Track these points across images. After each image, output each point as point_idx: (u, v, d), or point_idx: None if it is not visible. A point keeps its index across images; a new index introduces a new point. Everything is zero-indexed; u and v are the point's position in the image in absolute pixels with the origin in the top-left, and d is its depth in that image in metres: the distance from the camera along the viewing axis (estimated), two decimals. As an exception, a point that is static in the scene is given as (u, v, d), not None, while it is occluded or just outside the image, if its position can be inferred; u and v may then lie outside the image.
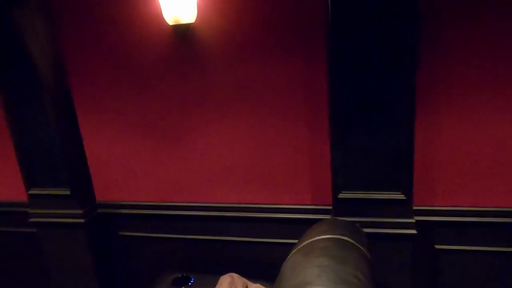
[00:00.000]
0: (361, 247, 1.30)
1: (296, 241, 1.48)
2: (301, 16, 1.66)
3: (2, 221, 2.37)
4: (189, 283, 1.90)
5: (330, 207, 1.78)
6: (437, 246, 1.78)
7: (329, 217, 1.73)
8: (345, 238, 1.30)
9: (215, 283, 1.79)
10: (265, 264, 1.97)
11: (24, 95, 1.91)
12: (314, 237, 1.32)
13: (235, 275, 1.78)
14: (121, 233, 2.19)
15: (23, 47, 1.83)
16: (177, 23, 1.69)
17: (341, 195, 1.64)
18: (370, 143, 1.54)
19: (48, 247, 2.16)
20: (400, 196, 1.58)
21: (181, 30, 1.74)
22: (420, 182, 1.70)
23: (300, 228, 1.74)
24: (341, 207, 1.67)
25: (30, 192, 2.10)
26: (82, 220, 2.06)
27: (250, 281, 1.81)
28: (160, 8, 1.71)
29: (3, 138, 2.18)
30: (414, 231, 1.61)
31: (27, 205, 2.14)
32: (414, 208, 1.64)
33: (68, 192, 2.02)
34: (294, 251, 1.35)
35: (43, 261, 2.20)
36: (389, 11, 1.39)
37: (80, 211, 2.06)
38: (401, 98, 1.47)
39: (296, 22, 1.67)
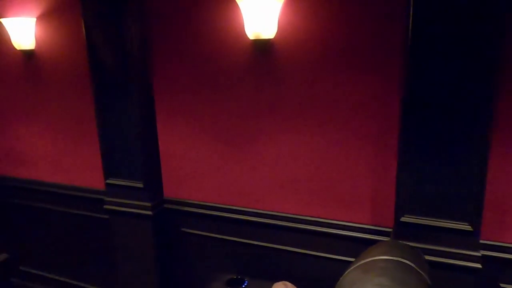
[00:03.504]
0: (423, 273, 1.28)
1: (350, 259, 1.49)
2: (377, 36, 1.69)
3: (81, 205, 2.63)
4: (243, 286, 1.97)
5: (389, 229, 1.77)
6: (502, 285, 1.69)
7: (388, 239, 1.72)
8: (407, 262, 1.29)
9: (268, 288, 1.84)
10: (316, 277, 1.99)
11: (113, 93, 2.13)
12: (374, 256, 1.32)
13: (288, 284, 1.81)
14: (183, 229, 2.32)
15: (117, 47, 2.04)
16: (258, 38, 1.80)
17: (403, 219, 1.63)
18: (440, 168, 1.52)
19: (117, 233, 2.36)
20: (466, 227, 1.53)
21: (261, 45, 1.85)
22: (489, 214, 1.63)
23: (355, 246, 1.76)
24: (402, 231, 1.65)
25: (108, 181, 2.31)
26: (150, 213, 2.22)
27: (302, 292, 1.84)
28: (243, 24, 1.82)
29: (90, 132, 2.42)
30: (479, 265, 1.54)
31: (103, 193, 2.36)
32: (481, 241, 1.58)
33: (141, 185, 2.20)
34: (352, 267, 1.36)
35: (111, 246, 2.40)
36: (471, 42, 1.38)
37: (149, 204, 2.22)
38: (477, 125, 1.44)
39: (372, 42, 1.70)
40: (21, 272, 3.05)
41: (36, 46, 2.47)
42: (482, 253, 1.55)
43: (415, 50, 1.47)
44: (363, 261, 1.34)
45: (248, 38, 1.86)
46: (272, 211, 2.06)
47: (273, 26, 1.78)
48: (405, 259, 1.31)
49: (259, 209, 2.09)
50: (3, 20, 2.38)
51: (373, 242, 1.56)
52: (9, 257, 3.02)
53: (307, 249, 2.01)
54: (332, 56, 1.78)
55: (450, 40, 1.41)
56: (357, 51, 1.74)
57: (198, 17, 2.01)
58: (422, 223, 1.59)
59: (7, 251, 3.03)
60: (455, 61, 1.42)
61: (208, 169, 2.18)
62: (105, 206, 2.33)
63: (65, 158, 2.63)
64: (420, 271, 1.29)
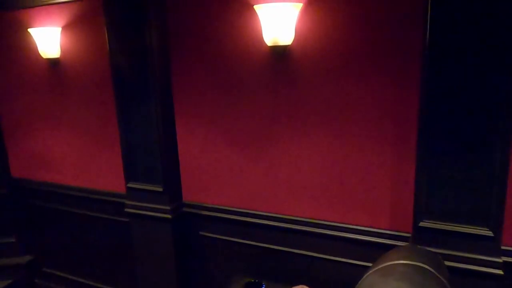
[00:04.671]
0: (443, 279, 1.28)
1: (368, 264, 1.49)
2: (395, 40, 1.70)
3: (102, 209, 2.70)
4: (260, 289, 1.99)
5: (408, 234, 1.76)
6: (525, 292, 1.66)
7: (407, 244, 1.71)
8: (426, 267, 1.29)
9: (286, 292, 1.86)
10: (334, 282, 1.99)
11: (135, 99, 2.19)
12: (393, 260, 1.32)
13: (306, 288, 1.83)
14: (201, 232, 2.35)
15: (138, 54, 2.11)
16: (275, 44, 1.83)
17: (422, 224, 1.62)
18: (460, 172, 1.50)
19: (137, 236, 2.41)
20: (487, 233, 1.51)
21: (279, 51, 1.88)
22: (511, 220, 1.61)
23: (373, 251, 1.75)
24: (421, 236, 1.64)
25: (128, 185, 2.36)
26: (169, 216, 2.26)
27: (320, 296, 1.85)
28: (261, 30, 1.86)
29: (112, 137, 2.48)
30: (500, 272, 1.52)
31: (124, 197, 2.41)
32: (502, 248, 1.56)
33: (160, 189, 2.24)
34: (370, 271, 1.36)
35: (132, 248, 2.45)
36: (491, 40, 1.38)
37: (168, 207, 2.27)
38: (496, 129, 1.43)
39: (390, 47, 1.71)
40: (45, 273, 3.13)
41: (61, 55, 2.56)
42: (503, 259, 1.53)
43: (433, 51, 1.47)
44: (381, 265, 1.34)
45: (266, 44, 1.89)
46: (291, 216, 2.07)
47: (291, 33, 1.81)
48: (424, 264, 1.31)
49: (277, 214, 2.11)
50: (31, 30, 2.48)
51: (392, 247, 1.56)
52: (33, 258, 3.12)
53: (325, 254, 2.01)
54: (349, 61, 1.80)
55: (468, 38, 1.41)
56: (374, 56, 1.75)
57: (217, 24, 2.05)
58: (441, 228, 1.58)
59: (31, 253, 3.14)
60: (474, 63, 1.42)
61: (226, 173, 2.22)
62: (126, 209, 2.39)
63: (87, 162, 2.71)
64: (440, 277, 1.29)
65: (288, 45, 1.86)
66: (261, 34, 1.87)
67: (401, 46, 1.69)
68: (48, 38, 2.48)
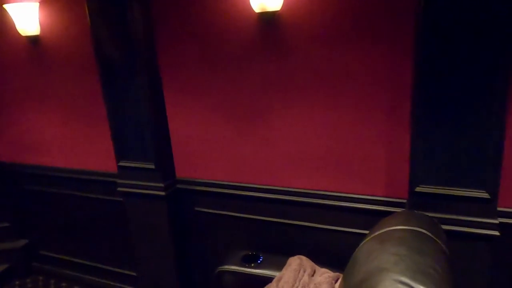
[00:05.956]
0: (440, 242, 1.27)
1: (365, 231, 1.49)
2: (389, 4, 1.63)
3: (94, 189, 2.66)
4: (258, 261, 1.99)
5: (404, 200, 1.76)
6: (520, 252, 1.68)
7: (403, 210, 1.70)
8: (423, 231, 1.29)
9: (283, 263, 1.86)
10: (332, 251, 2.00)
11: (120, 76, 2.11)
12: (390, 226, 1.32)
13: (303, 258, 1.83)
14: (196, 208, 2.34)
15: (121, 28, 2.02)
16: (263, 10, 1.75)
17: (418, 189, 1.61)
18: (455, 135, 1.48)
19: (132, 214, 2.39)
20: (484, 195, 1.51)
21: (267, 17, 1.80)
22: (507, 182, 1.60)
23: (370, 219, 1.75)
24: (417, 201, 1.63)
25: (120, 164, 2.32)
26: (163, 193, 2.24)
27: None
28: (248, -4, 1.78)
29: (100, 115, 2.42)
30: (496, 233, 1.53)
31: (116, 176, 2.37)
32: (499, 209, 1.55)
33: (152, 166, 2.21)
34: (368, 238, 1.36)
35: (127, 227, 2.43)
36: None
37: (161, 185, 2.24)
38: (492, 89, 1.40)
39: (383, 11, 1.65)
40: (41, 256, 3.12)
41: (41, 32, 2.45)
42: (500, 220, 1.53)
43: (428, 11, 1.41)
44: (379, 232, 1.34)
45: (254, 11, 1.81)
46: (285, 187, 2.05)
47: (279, -3, 1.73)
48: (421, 228, 1.30)
49: (272, 185, 2.09)
50: (6, 6, 2.36)
51: (388, 214, 1.56)
52: (28, 242, 3.11)
53: (321, 223, 2.01)
54: (340, 25, 1.73)
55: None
56: (367, 21, 1.68)
57: (201, -8, 1.96)
58: (438, 192, 1.57)
59: (26, 237, 3.12)
60: (471, 21, 1.37)
61: (219, 147, 2.18)
62: (119, 189, 2.35)
63: (76, 142, 2.65)
64: (438, 240, 1.28)
65: (277, 11, 1.79)
66: (249, 1, 1.79)
67: (395, 10, 1.62)
68: (26, 15, 2.36)
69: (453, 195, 1.55)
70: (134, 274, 2.69)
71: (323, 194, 1.97)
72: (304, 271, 1.75)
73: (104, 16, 2.06)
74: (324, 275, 1.69)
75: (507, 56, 1.36)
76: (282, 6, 1.78)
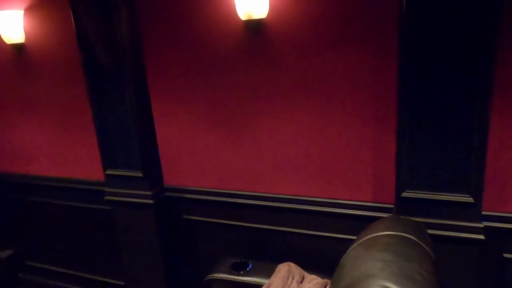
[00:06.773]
0: (426, 247, 1.28)
1: (353, 237, 1.49)
2: (372, 10, 1.65)
3: (81, 198, 2.62)
4: (247, 269, 1.99)
5: (391, 206, 1.77)
6: (505, 255, 1.70)
7: (390, 215, 1.71)
8: (409, 236, 1.30)
9: (272, 270, 1.86)
10: (320, 257, 2.00)
11: (107, 83, 2.10)
12: (377, 232, 1.33)
13: (292, 264, 1.83)
14: (185, 216, 2.32)
15: (107, 35, 2.01)
16: (250, 18, 1.76)
17: (404, 194, 1.62)
18: (440, 140, 1.50)
19: (120, 223, 2.36)
20: (468, 199, 1.53)
21: (253, 25, 1.81)
22: (490, 186, 1.62)
23: (358, 224, 1.76)
24: (403, 206, 1.64)
25: (107, 172, 2.29)
26: (151, 201, 2.21)
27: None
28: (234, 4, 1.78)
29: (86, 123, 2.39)
30: (481, 237, 1.55)
31: (103, 184, 2.35)
32: (483, 213, 1.57)
33: (140, 174, 2.19)
34: (355, 244, 1.37)
35: (115, 236, 2.40)
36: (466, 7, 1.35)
37: (149, 193, 2.21)
38: (476, 94, 1.42)
39: (367, 17, 1.67)
40: (28, 267, 3.07)
41: (25, 39, 2.43)
42: (484, 224, 1.55)
43: (410, 14, 1.43)
44: (365, 238, 1.34)
45: (240, 19, 1.82)
46: (273, 194, 2.05)
47: (265, 5, 1.74)
48: (407, 233, 1.31)
49: (260, 192, 2.09)
50: (-10, 14, 2.33)
51: (376, 219, 1.56)
52: (13, 253, 3.05)
53: (309, 230, 2.01)
54: (326, 34, 1.75)
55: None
56: (352, 28, 1.70)
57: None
58: (423, 197, 1.59)
59: (12, 247, 3.06)
60: (453, 24, 1.39)
61: (207, 155, 2.17)
62: (106, 197, 2.33)
63: (62, 151, 2.61)
64: (423, 245, 1.29)
65: (263, 19, 1.80)
66: (235, 8, 1.80)
67: (378, 16, 1.65)
68: (10, 22, 2.33)
69: (439, 199, 1.57)
70: (122, 283, 2.66)
71: (311, 201, 1.97)
72: (293, 278, 1.75)
73: (89, 24, 2.05)
74: (313, 281, 1.69)
75: (490, 62, 1.39)
76: (268, 14, 1.79)
